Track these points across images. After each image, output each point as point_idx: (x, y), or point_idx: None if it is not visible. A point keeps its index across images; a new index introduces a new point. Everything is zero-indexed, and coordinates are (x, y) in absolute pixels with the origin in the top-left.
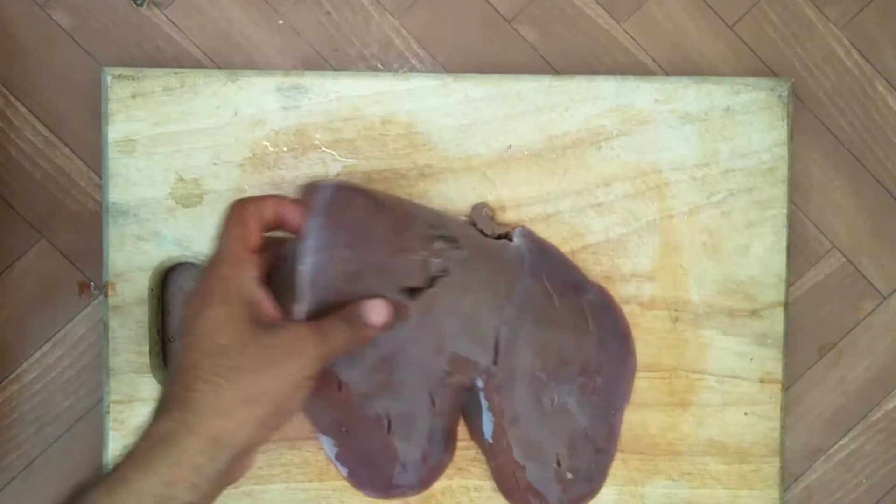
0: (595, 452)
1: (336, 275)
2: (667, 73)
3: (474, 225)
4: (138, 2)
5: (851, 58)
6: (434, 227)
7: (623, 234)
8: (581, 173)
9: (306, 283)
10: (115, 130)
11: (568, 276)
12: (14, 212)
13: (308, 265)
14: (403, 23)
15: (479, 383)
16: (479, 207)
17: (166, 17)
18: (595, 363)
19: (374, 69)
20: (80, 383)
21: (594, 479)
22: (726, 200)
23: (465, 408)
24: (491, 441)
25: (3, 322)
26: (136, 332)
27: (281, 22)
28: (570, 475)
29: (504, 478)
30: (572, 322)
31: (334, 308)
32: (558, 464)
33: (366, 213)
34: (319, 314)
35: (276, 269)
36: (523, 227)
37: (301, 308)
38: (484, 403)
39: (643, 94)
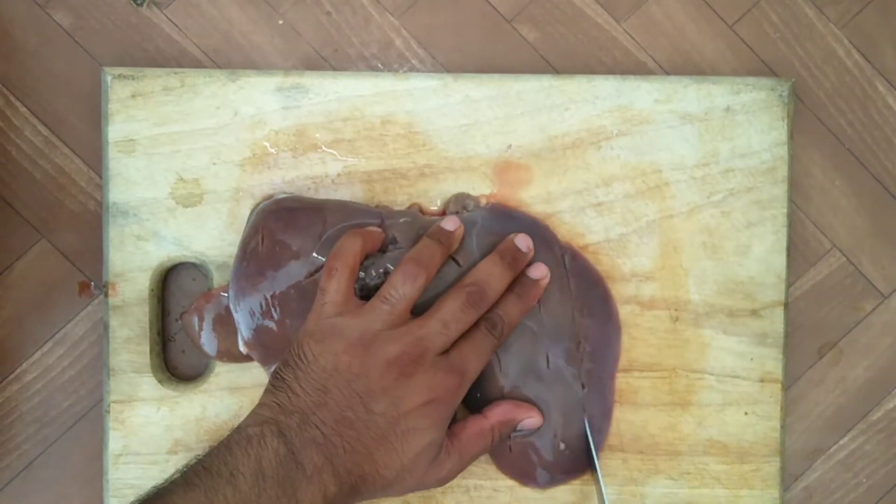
0: (589, 427)
1: (267, 302)
2: (667, 73)
3: (444, 213)
4: (138, 2)
5: (852, 58)
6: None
7: (623, 234)
8: (581, 173)
9: (240, 321)
10: (115, 130)
11: (536, 232)
12: (14, 212)
13: (233, 301)
14: (403, 23)
15: None
16: (461, 197)
17: (166, 16)
18: (581, 327)
19: (375, 69)
20: (80, 383)
21: (586, 455)
22: (726, 200)
23: None
24: (482, 397)
25: (3, 322)
26: (136, 332)
27: (281, 22)
28: (563, 446)
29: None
30: (551, 274)
31: (282, 334)
32: (554, 434)
33: (290, 232)
34: (267, 341)
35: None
36: (492, 203)
37: (241, 341)
38: None
39: (643, 94)
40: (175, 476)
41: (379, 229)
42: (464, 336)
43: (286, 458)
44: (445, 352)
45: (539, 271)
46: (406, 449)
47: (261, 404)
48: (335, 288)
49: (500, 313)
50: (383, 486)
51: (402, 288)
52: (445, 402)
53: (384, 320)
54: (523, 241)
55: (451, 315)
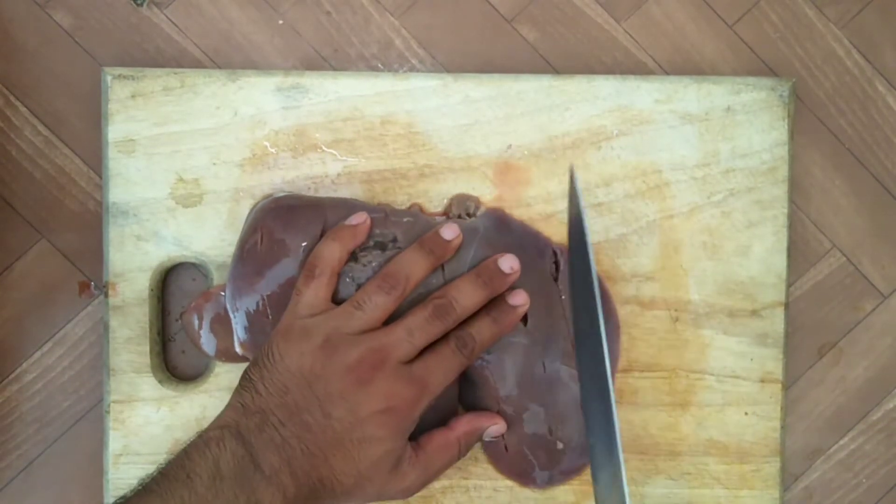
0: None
1: (264, 303)
2: (667, 73)
3: (446, 214)
4: (138, 2)
5: (852, 58)
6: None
7: (623, 234)
8: (581, 173)
9: (236, 321)
10: (115, 130)
11: (529, 242)
12: (14, 212)
13: (230, 301)
14: (403, 23)
15: None
16: (463, 199)
17: (166, 17)
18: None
19: (375, 69)
20: (80, 383)
21: (585, 454)
22: (727, 200)
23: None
24: (479, 408)
25: (3, 322)
26: (136, 332)
27: (281, 22)
28: (560, 445)
29: (491, 442)
30: (540, 286)
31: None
32: (550, 432)
33: (286, 231)
34: (263, 342)
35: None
36: (492, 208)
37: (237, 342)
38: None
39: (643, 94)
40: (136, 485)
41: (365, 220)
42: (431, 349)
43: (243, 459)
44: (410, 362)
45: (518, 299)
46: (362, 457)
47: (227, 406)
48: (312, 289)
49: (473, 333)
50: (342, 492)
51: (375, 297)
52: (402, 412)
53: (353, 326)
54: (507, 263)
55: (416, 325)
